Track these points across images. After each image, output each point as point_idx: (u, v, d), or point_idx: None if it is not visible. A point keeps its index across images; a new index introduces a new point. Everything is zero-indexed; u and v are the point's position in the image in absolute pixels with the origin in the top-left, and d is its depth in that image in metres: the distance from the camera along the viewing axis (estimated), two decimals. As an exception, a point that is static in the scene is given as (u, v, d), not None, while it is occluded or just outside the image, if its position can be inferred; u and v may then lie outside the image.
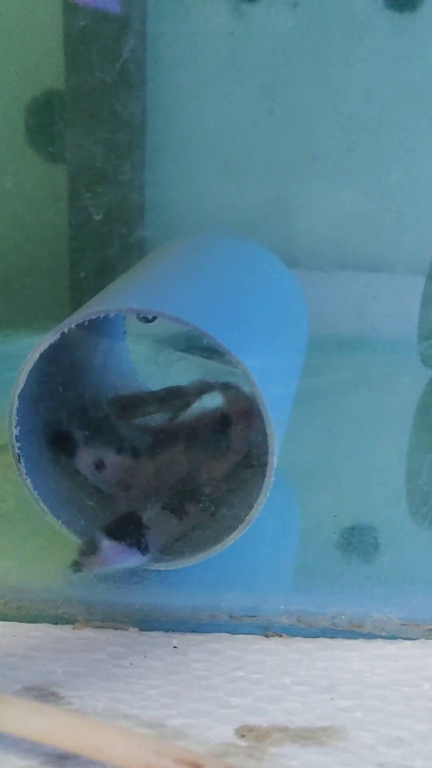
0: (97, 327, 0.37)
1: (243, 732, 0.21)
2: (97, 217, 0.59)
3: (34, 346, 0.29)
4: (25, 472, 0.29)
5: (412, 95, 0.60)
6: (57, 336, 0.28)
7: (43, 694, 0.22)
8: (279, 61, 0.61)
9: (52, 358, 0.29)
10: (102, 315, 0.28)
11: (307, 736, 0.21)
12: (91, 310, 0.28)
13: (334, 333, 0.55)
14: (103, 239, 0.60)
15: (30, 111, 0.58)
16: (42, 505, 0.29)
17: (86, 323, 0.28)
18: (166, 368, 0.49)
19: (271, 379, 0.28)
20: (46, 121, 0.58)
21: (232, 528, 0.28)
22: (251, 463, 0.29)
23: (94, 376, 0.36)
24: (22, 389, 0.28)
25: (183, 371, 0.49)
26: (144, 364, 0.44)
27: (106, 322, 0.39)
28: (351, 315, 0.61)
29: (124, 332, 0.41)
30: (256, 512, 0.28)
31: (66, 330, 0.28)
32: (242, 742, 0.21)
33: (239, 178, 0.63)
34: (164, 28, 0.59)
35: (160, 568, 0.28)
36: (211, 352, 0.52)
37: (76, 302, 0.60)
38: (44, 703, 0.21)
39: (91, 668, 0.24)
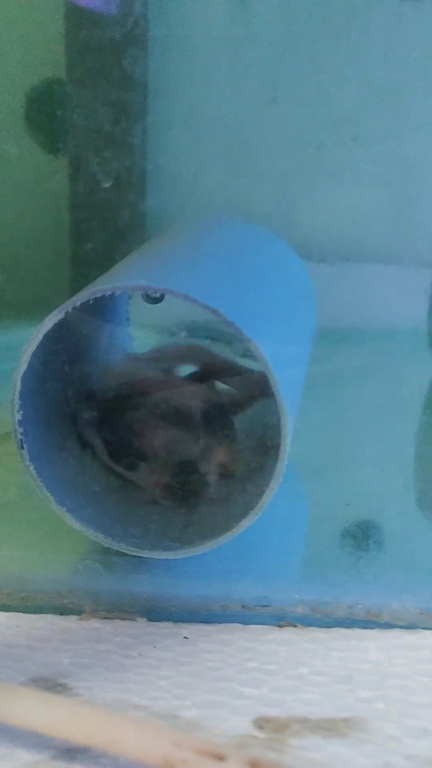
0: (101, 311, 0.37)
1: (261, 723, 0.20)
2: (97, 208, 0.58)
3: (38, 327, 0.28)
4: (28, 457, 0.28)
5: (419, 85, 0.59)
6: (61, 315, 0.27)
7: (50, 685, 0.21)
8: (282, 48, 0.60)
9: (55, 340, 0.28)
10: (108, 293, 0.27)
11: (328, 727, 0.20)
12: (96, 288, 0.27)
13: (340, 325, 0.54)
14: (103, 228, 0.59)
15: (30, 99, 0.57)
16: (46, 492, 0.28)
17: (90, 305, 0.27)
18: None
19: (282, 362, 0.27)
20: (47, 107, 0.57)
21: (242, 515, 0.27)
22: (263, 447, 0.28)
23: (99, 361, 0.35)
24: (25, 372, 0.27)
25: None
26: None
27: (109, 307, 0.38)
28: (357, 307, 0.60)
29: (128, 318, 0.40)
30: (268, 498, 0.27)
31: (70, 309, 0.27)
32: (260, 734, 0.20)
33: (241, 170, 0.62)
34: (166, 14, 0.58)
35: (169, 557, 0.27)
36: (216, 339, 0.51)
37: (76, 291, 0.60)
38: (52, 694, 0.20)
39: (99, 659, 0.23)
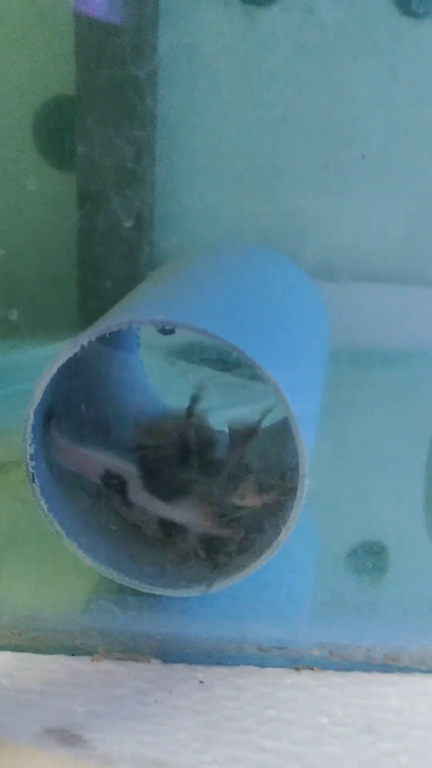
0: (112, 339, 0.36)
1: (282, 781, 0.20)
2: (105, 227, 0.58)
3: (51, 359, 0.27)
4: (39, 492, 0.27)
5: (428, 104, 0.59)
6: (76, 348, 0.26)
7: (66, 737, 0.21)
8: (292, 67, 0.60)
9: (67, 371, 0.28)
10: (125, 327, 0.26)
11: (351, 785, 0.19)
12: (113, 321, 0.26)
13: (346, 346, 0.54)
14: (112, 248, 0.59)
15: (39, 116, 0.57)
16: (58, 527, 0.28)
17: (87, 342, 0.27)
18: (178, 381, 0.48)
19: (299, 397, 0.27)
20: (55, 126, 0.57)
21: (258, 553, 0.27)
22: (280, 485, 0.27)
23: (110, 391, 0.35)
24: (38, 404, 0.27)
25: (196, 384, 0.48)
26: (155, 377, 0.43)
27: (120, 334, 0.37)
28: (365, 328, 0.60)
29: (138, 344, 0.39)
30: (284, 537, 0.26)
31: (85, 343, 0.26)
32: (282, 793, 0.19)
33: (250, 187, 0.62)
34: (175, 34, 0.58)
35: (183, 595, 0.27)
36: (225, 364, 0.51)
37: (85, 311, 0.59)
38: (68, 748, 0.19)
39: (114, 706, 0.23)
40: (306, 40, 0.60)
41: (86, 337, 0.26)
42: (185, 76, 0.60)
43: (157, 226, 0.61)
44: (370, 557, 0.29)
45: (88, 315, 0.58)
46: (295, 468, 0.26)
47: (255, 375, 0.38)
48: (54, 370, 0.27)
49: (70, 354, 0.26)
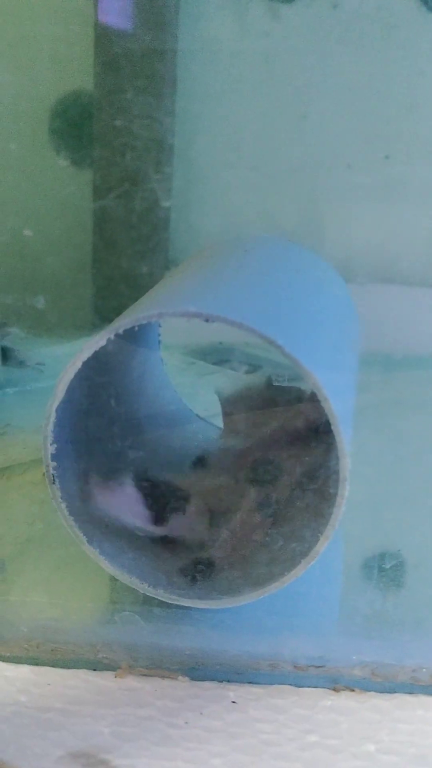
0: (134, 336, 0.34)
1: None
2: (121, 222, 0.56)
3: (75, 354, 0.26)
4: (60, 495, 0.26)
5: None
6: (103, 342, 0.25)
7: (92, 762, 0.19)
8: (315, 63, 0.58)
9: (89, 367, 0.26)
10: (155, 319, 0.25)
11: None
12: (142, 314, 0.25)
13: (366, 348, 0.52)
14: (127, 246, 0.57)
15: (56, 111, 0.56)
16: (78, 532, 0.26)
17: (122, 330, 0.25)
18: (197, 381, 0.47)
19: (339, 397, 0.25)
20: (73, 121, 0.56)
21: (294, 562, 0.25)
22: (315, 488, 0.25)
23: (132, 388, 0.33)
24: (61, 401, 0.25)
25: (215, 384, 0.46)
26: (174, 377, 0.41)
27: (142, 331, 0.36)
28: (386, 330, 0.58)
29: (159, 342, 0.38)
30: (323, 545, 0.25)
31: (113, 336, 0.25)
32: None
33: (269, 185, 0.60)
34: (197, 27, 0.57)
35: (213, 607, 0.25)
36: (245, 366, 0.49)
37: (99, 311, 0.58)
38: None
39: (142, 728, 0.21)
40: (330, 36, 0.59)
41: (113, 330, 0.25)
42: (205, 71, 0.59)
43: (173, 222, 0.60)
44: (416, 571, 0.27)
45: (102, 314, 0.57)
46: (330, 469, 0.24)
47: (282, 376, 0.37)
48: (79, 364, 0.25)
49: (96, 347, 0.25)
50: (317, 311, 0.29)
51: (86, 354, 0.25)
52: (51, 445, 0.25)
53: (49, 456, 0.25)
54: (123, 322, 0.25)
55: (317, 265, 0.35)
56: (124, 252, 0.56)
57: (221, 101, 0.59)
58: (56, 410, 0.25)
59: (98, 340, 0.25)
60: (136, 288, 0.59)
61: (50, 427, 0.25)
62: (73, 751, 0.19)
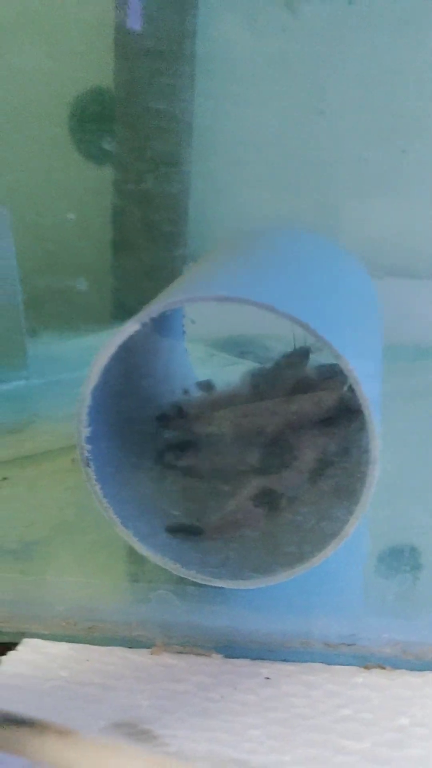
0: (159, 325, 0.35)
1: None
2: (140, 220, 0.57)
3: (108, 338, 0.26)
4: (95, 477, 0.26)
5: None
6: (137, 326, 0.25)
7: (134, 732, 0.19)
8: (331, 59, 0.59)
9: (121, 352, 0.27)
10: (186, 304, 0.25)
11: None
12: (173, 299, 0.25)
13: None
14: (146, 240, 0.58)
15: (76, 108, 0.56)
16: (112, 514, 0.26)
17: (149, 319, 0.25)
18: (218, 372, 0.47)
19: (370, 381, 0.26)
20: (92, 117, 0.56)
21: (325, 542, 0.25)
22: (347, 468, 0.26)
23: (157, 376, 0.34)
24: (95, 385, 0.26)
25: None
26: (196, 368, 0.42)
27: (167, 320, 0.36)
28: (400, 323, 0.58)
29: (184, 331, 0.38)
30: (353, 526, 0.25)
31: (148, 320, 0.25)
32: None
33: (286, 179, 0.61)
34: (215, 25, 0.57)
35: (244, 587, 0.25)
36: (264, 358, 0.50)
37: (119, 305, 0.58)
38: (140, 744, 0.18)
39: (179, 702, 0.21)
40: (346, 32, 0.59)
41: (146, 316, 0.25)
42: (223, 67, 0.59)
43: (192, 217, 0.60)
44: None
45: (122, 306, 0.58)
46: (360, 450, 0.25)
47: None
48: (113, 348, 0.25)
49: (130, 332, 0.25)
50: (345, 299, 0.30)
51: (120, 338, 0.25)
52: (86, 428, 0.26)
53: (84, 438, 0.26)
54: (155, 307, 0.25)
55: (341, 255, 0.35)
56: (144, 246, 0.57)
57: (239, 98, 0.60)
58: (91, 393, 0.26)
59: (132, 325, 0.25)
60: (156, 282, 0.60)
61: (85, 409, 0.26)
62: (116, 722, 0.20)
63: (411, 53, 0.58)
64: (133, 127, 0.56)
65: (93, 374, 0.26)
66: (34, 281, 0.49)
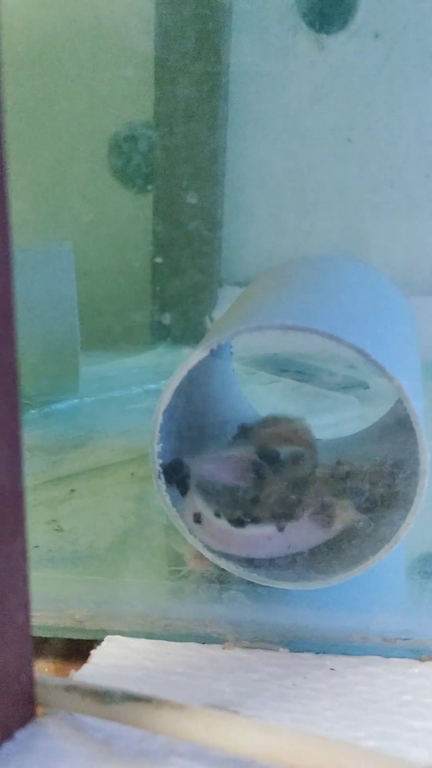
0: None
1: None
2: (177, 245, 0.60)
3: (181, 363, 0.29)
4: (165, 488, 0.29)
5: None
6: (206, 353, 0.28)
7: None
8: (358, 90, 0.62)
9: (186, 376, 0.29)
10: (253, 332, 0.28)
11: None
12: (239, 327, 0.28)
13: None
14: (182, 265, 0.61)
15: (116, 140, 0.59)
16: (181, 523, 0.29)
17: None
18: (260, 390, 0.50)
19: (416, 399, 0.28)
20: (132, 149, 0.59)
21: (379, 546, 0.28)
22: (394, 477, 0.28)
23: (213, 397, 0.36)
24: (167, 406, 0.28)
25: (278, 393, 0.49)
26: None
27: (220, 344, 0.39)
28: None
29: (232, 353, 0.41)
30: (405, 530, 0.27)
31: (215, 347, 0.28)
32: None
33: (315, 203, 0.64)
34: (248, 60, 0.61)
35: (307, 588, 0.28)
36: (304, 374, 0.52)
37: (157, 326, 0.61)
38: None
39: (257, 688, 0.24)
40: (372, 64, 0.62)
41: (215, 342, 0.28)
42: (256, 99, 0.63)
43: (226, 242, 0.63)
44: None
45: (161, 327, 0.61)
46: (413, 467, 0.27)
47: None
48: (184, 372, 0.28)
49: (200, 357, 0.28)
50: (391, 323, 0.32)
51: (191, 363, 0.28)
52: (158, 444, 0.29)
53: (156, 454, 0.29)
54: (223, 335, 0.28)
55: (382, 281, 0.38)
56: (181, 271, 0.60)
57: (270, 128, 0.63)
58: (162, 413, 0.28)
59: (201, 352, 0.28)
60: (191, 306, 0.63)
61: (157, 428, 0.29)
62: (205, 704, 0.22)
63: (433, 83, 0.61)
64: (171, 158, 0.59)
65: (165, 397, 0.28)
66: (79, 303, 0.52)
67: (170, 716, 0.18)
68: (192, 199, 0.59)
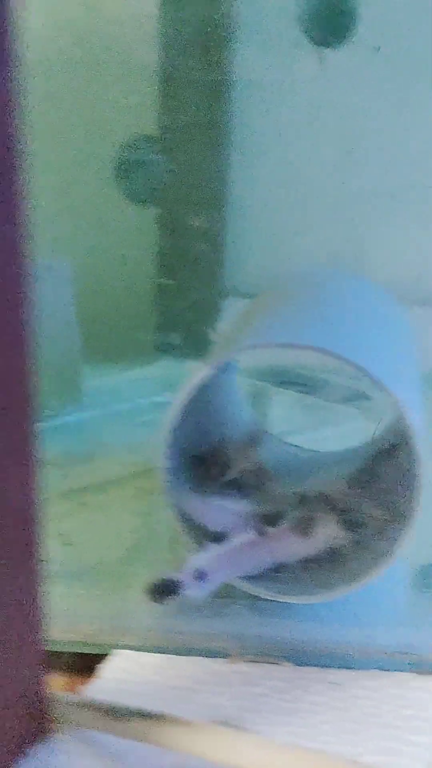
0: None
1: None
2: (182, 259, 0.60)
3: (188, 380, 0.29)
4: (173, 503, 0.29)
5: None
6: (214, 370, 0.29)
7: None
8: (359, 103, 0.63)
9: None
10: (260, 349, 0.28)
11: None
12: (245, 344, 0.28)
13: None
14: (186, 280, 0.61)
15: (121, 154, 0.60)
16: (189, 538, 0.29)
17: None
18: (263, 402, 0.50)
19: (417, 414, 0.29)
20: (136, 164, 0.60)
21: (378, 560, 0.28)
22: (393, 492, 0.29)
23: (220, 409, 0.37)
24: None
25: (280, 405, 0.50)
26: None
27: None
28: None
29: (235, 366, 0.41)
30: (402, 546, 0.28)
31: (222, 364, 0.29)
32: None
33: (316, 215, 0.64)
34: (251, 75, 0.61)
35: (311, 601, 0.28)
36: (306, 386, 0.53)
37: (161, 340, 0.62)
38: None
39: (258, 702, 0.24)
40: (373, 77, 0.63)
41: (223, 359, 0.29)
42: (259, 112, 0.63)
43: (229, 254, 0.64)
44: None
45: (165, 340, 0.61)
46: (411, 481, 0.28)
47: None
48: (193, 390, 0.29)
49: (208, 374, 0.28)
50: (393, 340, 0.33)
51: (198, 380, 0.29)
52: (167, 459, 0.29)
53: (165, 471, 0.29)
54: (229, 352, 0.29)
55: (383, 297, 0.39)
56: (185, 284, 0.61)
57: (273, 140, 0.64)
58: (172, 430, 0.29)
59: (209, 368, 0.29)
60: (195, 317, 0.64)
61: (166, 445, 0.29)
62: (208, 719, 0.23)
63: (433, 96, 0.61)
64: (176, 172, 0.59)
65: (173, 414, 0.29)
66: (84, 317, 0.52)
67: (175, 732, 0.19)
68: (196, 212, 0.60)
